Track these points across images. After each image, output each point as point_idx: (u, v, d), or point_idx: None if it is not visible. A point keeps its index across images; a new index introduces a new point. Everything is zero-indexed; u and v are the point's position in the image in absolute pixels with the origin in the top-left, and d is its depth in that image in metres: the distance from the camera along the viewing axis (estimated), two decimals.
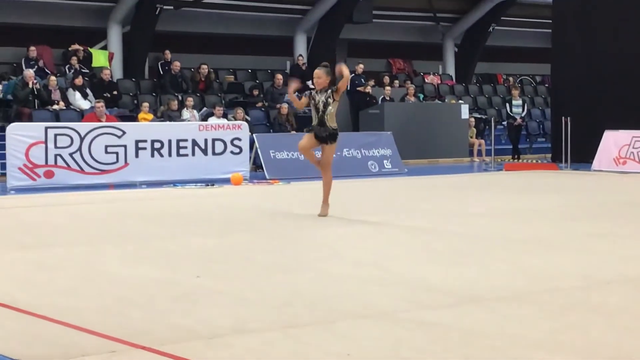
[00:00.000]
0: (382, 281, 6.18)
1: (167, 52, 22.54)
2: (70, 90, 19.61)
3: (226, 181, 15.30)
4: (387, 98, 23.03)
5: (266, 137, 17.76)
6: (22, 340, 4.65)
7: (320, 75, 9.99)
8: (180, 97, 20.43)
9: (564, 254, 7.38)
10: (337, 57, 23.93)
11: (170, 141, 15.69)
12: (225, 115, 19.03)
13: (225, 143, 16.13)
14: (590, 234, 8.66)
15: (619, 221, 9.73)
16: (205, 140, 15.99)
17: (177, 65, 21.91)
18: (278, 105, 20.64)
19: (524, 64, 30.93)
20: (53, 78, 19.41)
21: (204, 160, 15.91)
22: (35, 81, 18.65)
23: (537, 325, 4.86)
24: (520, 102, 22.20)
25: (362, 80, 23.31)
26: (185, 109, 19.54)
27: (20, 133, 14.56)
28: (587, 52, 20.63)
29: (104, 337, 4.64)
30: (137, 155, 15.34)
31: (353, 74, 23.26)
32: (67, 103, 19.20)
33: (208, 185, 14.99)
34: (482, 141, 23.02)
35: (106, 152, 15.06)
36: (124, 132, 15.30)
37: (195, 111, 19.71)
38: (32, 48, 20.66)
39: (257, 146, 16.97)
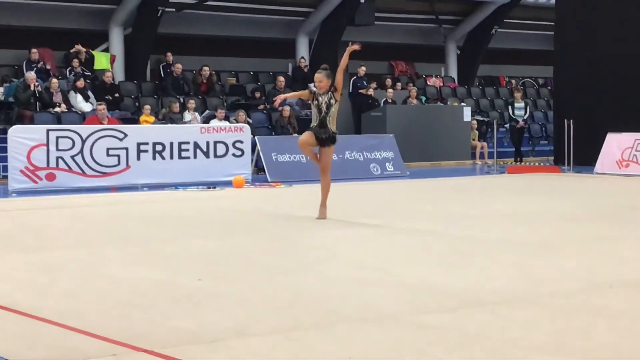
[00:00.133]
0: (383, 283, 6.16)
1: (169, 54, 22.53)
2: (72, 93, 19.61)
3: (228, 184, 15.29)
4: (389, 100, 23.02)
5: (268, 140, 17.75)
6: (23, 343, 4.64)
7: (321, 78, 9.98)
8: (181, 100, 20.43)
9: (566, 257, 7.36)
10: (339, 60, 23.89)
11: (172, 144, 15.68)
12: (227, 118, 19.01)
13: (227, 145, 16.13)
14: (592, 237, 8.65)
15: (622, 224, 9.72)
16: (207, 143, 15.99)
17: (178, 68, 21.91)
18: (280, 108, 20.63)
19: (527, 67, 30.92)
20: (55, 80, 19.41)
21: (205, 162, 15.91)
22: (36, 83, 18.66)
23: (539, 327, 4.85)
24: (522, 104, 22.20)
25: (364, 82, 23.31)
26: (186, 111, 19.53)
27: (21, 135, 14.55)
28: (589, 54, 20.61)
29: (105, 340, 4.64)
30: (138, 158, 15.34)
31: (355, 77, 23.30)
32: (69, 105, 19.20)
33: (210, 187, 14.98)
34: (485, 144, 23.00)
35: (108, 154, 15.06)
36: (125, 135, 15.30)
37: (196, 113, 19.71)
38: (34, 50, 20.66)
39: (259, 149, 16.96)
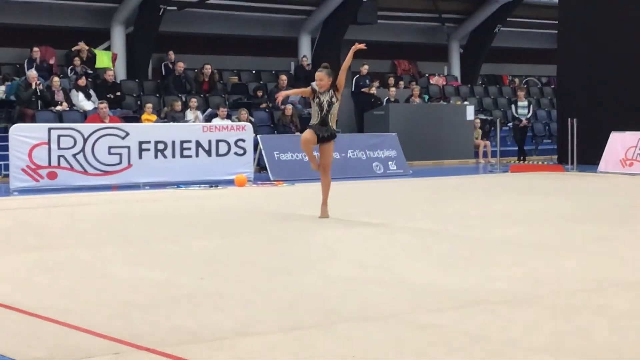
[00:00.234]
0: (384, 283, 6.15)
1: (171, 53, 22.53)
2: (74, 91, 19.61)
3: (230, 182, 15.29)
4: (392, 99, 23.01)
5: (270, 139, 17.75)
6: (25, 342, 4.64)
7: (322, 77, 9.96)
8: (183, 98, 20.42)
9: (568, 257, 7.35)
10: (342, 59, 23.90)
11: (173, 142, 15.68)
12: (229, 116, 19.01)
13: (229, 144, 16.12)
14: (595, 237, 8.63)
15: (624, 223, 9.70)
16: (209, 142, 15.98)
17: (180, 66, 21.91)
18: (282, 107, 20.62)
19: (530, 65, 30.90)
20: (56, 79, 19.42)
21: (207, 161, 15.90)
22: (38, 82, 18.66)
23: (539, 328, 4.84)
24: (525, 103, 22.17)
25: (367, 81, 23.29)
26: (188, 110, 19.52)
27: (23, 134, 14.55)
28: (593, 53, 20.58)
29: (107, 339, 4.64)
30: (140, 157, 15.33)
31: (358, 75, 23.28)
32: (71, 104, 19.19)
33: (212, 186, 14.98)
34: (488, 142, 22.99)
35: (109, 153, 15.06)
36: (127, 133, 15.29)
37: (198, 112, 19.70)
38: (36, 49, 20.67)
39: (261, 147, 16.96)
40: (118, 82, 21.31)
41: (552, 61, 24.40)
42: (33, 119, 17.86)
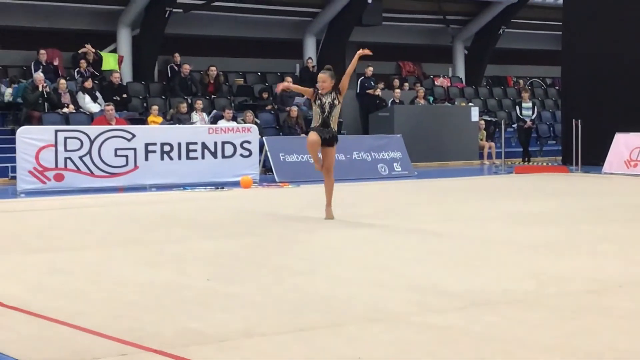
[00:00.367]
0: (392, 284, 6.17)
1: (177, 55, 22.56)
2: (80, 94, 19.65)
3: (236, 184, 15.31)
4: (397, 101, 23.02)
5: (276, 140, 17.77)
6: (33, 344, 4.66)
7: (325, 79, 9.99)
8: (189, 100, 20.45)
9: (574, 257, 7.36)
10: (347, 61, 23.92)
11: (179, 144, 15.71)
12: (234, 118, 19.03)
13: (234, 146, 16.15)
14: (600, 237, 8.63)
15: (630, 224, 9.70)
16: (215, 143, 16.01)
17: (186, 68, 21.94)
18: (287, 108, 20.65)
19: (534, 67, 30.88)
20: (63, 81, 19.45)
21: (213, 163, 15.92)
22: (45, 84, 18.70)
23: (548, 328, 4.85)
24: (530, 104, 22.18)
25: (372, 83, 23.31)
26: (194, 112, 19.55)
27: (30, 136, 14.59)
28: (597, 54, 20.58)
29: (114, 340, 4.65)
30: (146, 159, 15.37)
31: (363, 77, 23.29)
32: (77, 106, 19.23)
33: (218, 188, 15.00)
34: (492, 144, 22.98)
35: (116, 155, 15.09)
36: (133, 135, 15.33)
37: (204, 114, 19.73)
38: (42, 51, 20.72)
39: (267, 149, 16.98)
40: (124, 84, 21.34)
41: (556, 62, 24.41)
42: (40, 121, 17.90)
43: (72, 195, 14.04)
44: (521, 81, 29.46)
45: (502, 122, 21.38)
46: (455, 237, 8.68)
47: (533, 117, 22.09)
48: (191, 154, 15.80)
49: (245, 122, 18.20)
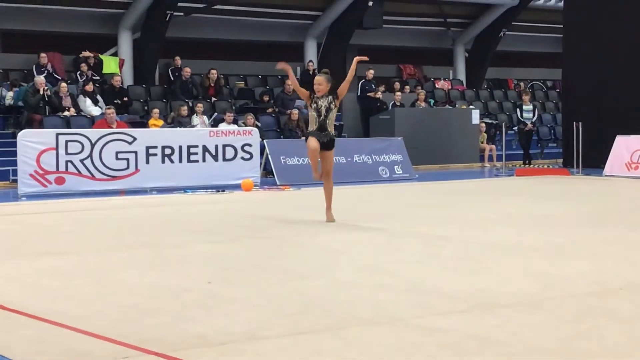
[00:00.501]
0: (394, 287, 6.16)
1: (178, 58, 22.59)
2: (81, 97, 19.66)
3: (237, 187, 15.31)
4: (398, 103, 23.01)
5: (277, 143, 17.77)
6: (35, 347, 4.66)
7: (321, 82, 10.01)
8: (190, 104, 20.45)
9: (576, 260, 7.35)
10: (348, 63, 23.93)
11: (180, 147, 15.70)
12: (235, 121, 19.04)
13: (235, 149, 16.14)
14: (603, 240, 8.63)
15: (632, 227, 9.69)
16: (216, 146, 16.00)
17: (187, 72, 21.95)
18: (288, 111, 20.65)
19: (535, 69, 30.90)
20: (64, 84, 19.46)
21: (214, 166, 15.92)
22: (46, 88, 18.70)
23: (551, 331, 4.84)
24: (531, 107, 22.16)
25: (373, 85, 23.30)
26: (195, 115, 19.55)
27: (31, 139, 14.59)
28: (598, 56, 20.58)
29: (116, 344, 4.65)
30: (147, 162, 15.36)
31: (363, 80, 23.30)
32: (78, 109, 19.24)
33: (219, 191, 15.00)
34: (493, 146, 22.98)
35: (117, 158, 15.09)
36: (134, 139, 15.32)
37: (205, 117, 19.73)
38: (43, 55, 20.73)
39: (268, 152, 16.98)
40: (125, 87, 21.36)
41: (557, 65, 24.42)
42: (41, 125, 17.90)
43: (73, 198, 14.03)
44: (522, 84, 29.48)
45: (503, 124, 21.39)
46: (457, 239, 8.67)
47: (534, 120, 22.08)
48: (192, 157, 15.80)
49: (246, 125, 18.20)
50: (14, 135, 16.10)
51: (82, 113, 19.23)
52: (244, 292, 6.09)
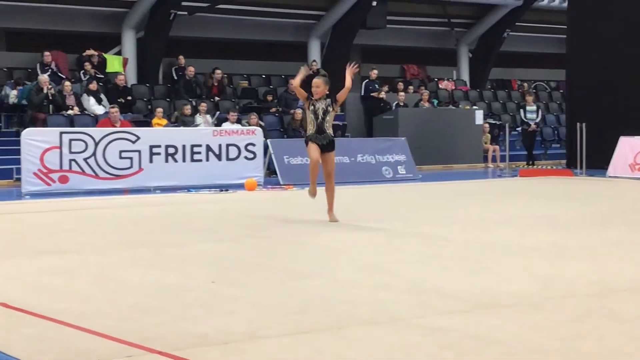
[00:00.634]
0: (395, 287, 6.17)
1: (181, 57, 22.60)
2: (85, 96, 19.68)
3: (240, 186, 15.31)
4: (401, 104, 23.01)
5: (280, 143, 17.77)
6: (37, 346, 4.67)
7: (319, 84, 10.03)
8: (194, 103, 20.47)
9: (578, 260, 7.35)
10: (350, 62, 23.91)
11: (184, 146, 15.72)
12: (239, 121, 19.05)
13: (239, 148, 16.15)
14: (605, 241, 8.62)
15: (635, 228, 9.69)
16: (220, 146, 16.01)
17: (191, 71, 21.97)
18: (292, 111, 20.65)
19: (539, 70, 30.87)
20: (68, 83, 19.48)
21: (218, 165, 15.93)
22: (49, 86, 18.73)
23: (552, 332, 4.84)
24: (534, 107, 22.15)
25: (376, 85, 23.30)
26: (198, 114, 19.56)
27: (35, 138, 14.61)
28: (601, 57, 20.56)
29: (119, 342, 4.66)
30: (151, 161, 15.38)
31: (367, 80, 23.30)
32: (82, 108, 19.26)
33: (222, 190, 15.01)
34: (497, 147, 22.97)
35: (120, 157, 15.10)
36: (138, 138, 15.34)
37: (208, 116, 19.74)
38: (47, 53, 20.76)
39: (271, 151, 16.99)
40: (129, 86, 21.38)
41: (560, 66, 24.38)
42: (45, 123, 17.92)
43: (77, 197, 14.05)
44: (525, 84, 29.45)
45: (507, 125, 21.37)
46: (459, 240, 8.67)
47: (537, 120, 22.07)
48: (195, 156, 15.81)
49: (249, 125, 18.21)
50: (18, 134, 16.12)
51: (86, 112, 19.25)
52: (245, 291, 6.09)
